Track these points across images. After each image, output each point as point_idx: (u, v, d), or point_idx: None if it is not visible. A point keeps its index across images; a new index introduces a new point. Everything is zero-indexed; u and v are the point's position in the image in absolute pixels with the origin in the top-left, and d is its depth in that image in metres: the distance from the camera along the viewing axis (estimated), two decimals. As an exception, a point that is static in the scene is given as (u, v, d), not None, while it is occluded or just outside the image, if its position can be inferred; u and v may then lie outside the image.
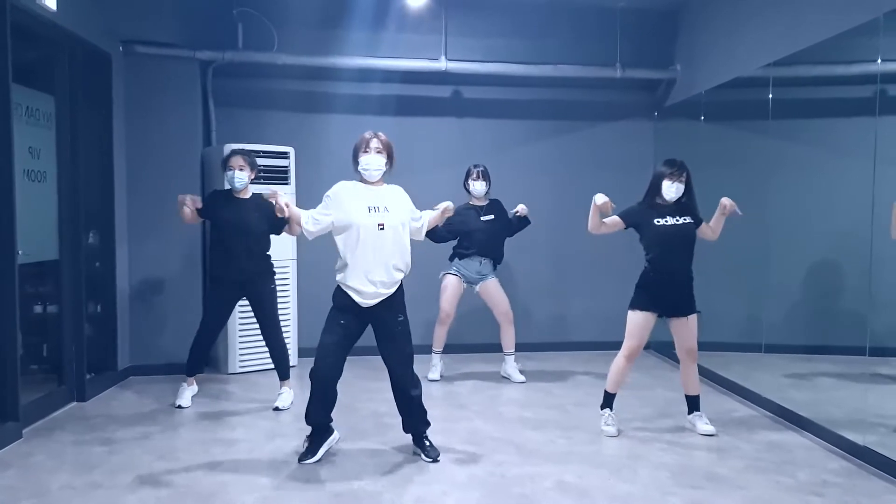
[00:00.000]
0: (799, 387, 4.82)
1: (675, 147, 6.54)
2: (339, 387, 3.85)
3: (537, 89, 6.70)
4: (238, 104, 6.31)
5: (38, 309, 4.98)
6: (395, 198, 3.86)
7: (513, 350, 5.75)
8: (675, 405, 4.74)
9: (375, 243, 3.70)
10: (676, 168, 4.22)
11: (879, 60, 3.89)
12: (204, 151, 5.99)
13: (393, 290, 3.78)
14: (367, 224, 3.69)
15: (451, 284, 5.60)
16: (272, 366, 5.07)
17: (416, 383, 3.92)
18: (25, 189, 4.40)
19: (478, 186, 5.54)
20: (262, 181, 5.79)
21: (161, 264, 5.70)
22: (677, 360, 4.55)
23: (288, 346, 5.89)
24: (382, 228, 3.71)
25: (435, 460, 3.87)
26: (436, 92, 6.66)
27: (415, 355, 3.94)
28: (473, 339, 6.41)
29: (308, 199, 5.76)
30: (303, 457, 3.85)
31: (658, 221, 4.22)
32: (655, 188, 4.27)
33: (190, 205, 4.65)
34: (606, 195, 4.18)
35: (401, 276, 3.81)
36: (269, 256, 4.86)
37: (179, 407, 4.85)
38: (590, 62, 6.52)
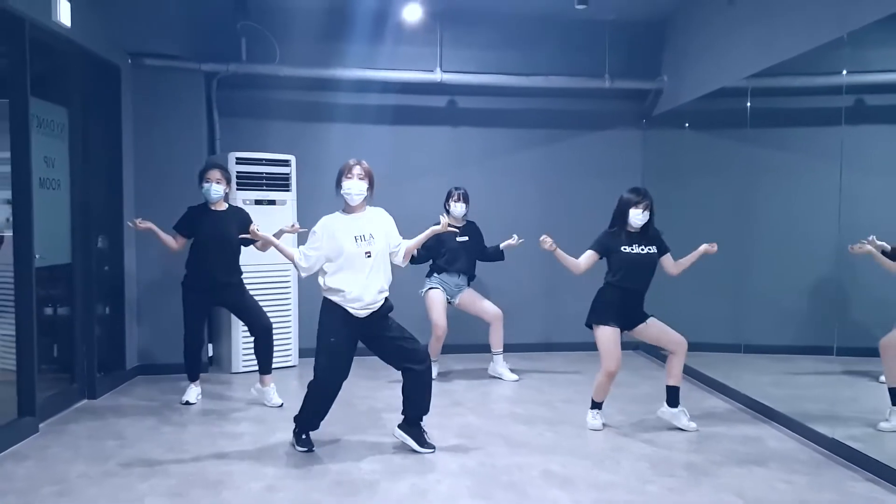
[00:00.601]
0: (775, 384, 5.05)
1: (663, 154, 6.80)
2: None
3: (529, 99, 6.92)
4: (241, 114, 6.54)
5: (48, 311, 5.18)
6: (379, 223, 4.06)
7: (501, 349, 5.94)
8: (661, 402, 4.95)
9: (364, 270, 3.92)
10: (642, 196, 4.40)
11: (845, 72, 4.16)
12: (208, 159, 6.19)
13: (381, 301, 4.02)
14: (356, 254, 3.92)
15: (437, 299, 5.74)
16: (274, 364, 5.23)
17: (429, 368, 4.15)
18: (41, 196, 4.61)
19: (458, 208, 5.72)
20: (265, 188, 6.05)
21: (167, 268, 5.88)
22: (663, 359, 4.74)
23: (288, 346, 6.17)
24: (369, 256, 3.94)
25: (429, 447, 4.10)
26: (431, 102, 6.89)
27: None
28: (470, 339, 6.57)
29: (309, 202, 6.00)
30: (306, 448, 4.10)
31: (625, 249, 4.41)
32: (623, 215, 4.43)
33: (141, 225, 4.86)
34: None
35: (385, 294, 4.04)
36: (239, 264, 5.08)
37: (187, 403, 5.06)
38: (579, 73, 6.74)
